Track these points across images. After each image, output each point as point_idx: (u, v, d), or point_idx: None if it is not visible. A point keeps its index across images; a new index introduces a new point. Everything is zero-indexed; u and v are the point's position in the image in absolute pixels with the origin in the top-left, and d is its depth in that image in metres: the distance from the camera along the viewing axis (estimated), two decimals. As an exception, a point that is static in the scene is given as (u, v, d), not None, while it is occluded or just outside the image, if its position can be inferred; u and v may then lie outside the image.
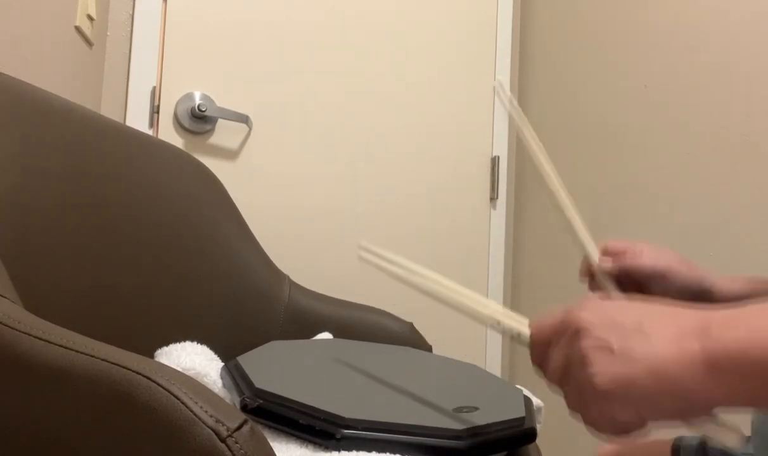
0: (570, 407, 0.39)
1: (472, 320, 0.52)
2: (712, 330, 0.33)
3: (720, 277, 0.61)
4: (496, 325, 0.48)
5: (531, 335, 0.43)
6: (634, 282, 0.61)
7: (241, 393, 0.60)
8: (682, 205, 1.26)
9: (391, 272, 0.61)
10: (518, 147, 1.77)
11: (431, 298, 0.55)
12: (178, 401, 0.38)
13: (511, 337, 0.47)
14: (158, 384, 0.39)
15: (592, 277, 0.63)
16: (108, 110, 1.28)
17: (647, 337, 0.35)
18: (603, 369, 0.35)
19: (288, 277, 1.08)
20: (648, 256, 0.62)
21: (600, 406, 0.35)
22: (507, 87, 1.73)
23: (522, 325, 0.46)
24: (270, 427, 0.57)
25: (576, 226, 0.64)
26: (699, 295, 0.59)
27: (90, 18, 1.14)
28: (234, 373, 0.66)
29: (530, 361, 0.43)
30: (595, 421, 0.37)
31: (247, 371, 0.64)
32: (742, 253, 1.13)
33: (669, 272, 0.59)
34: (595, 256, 0.63)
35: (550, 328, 0.41)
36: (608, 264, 0.62)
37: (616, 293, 0.60)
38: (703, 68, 1.24)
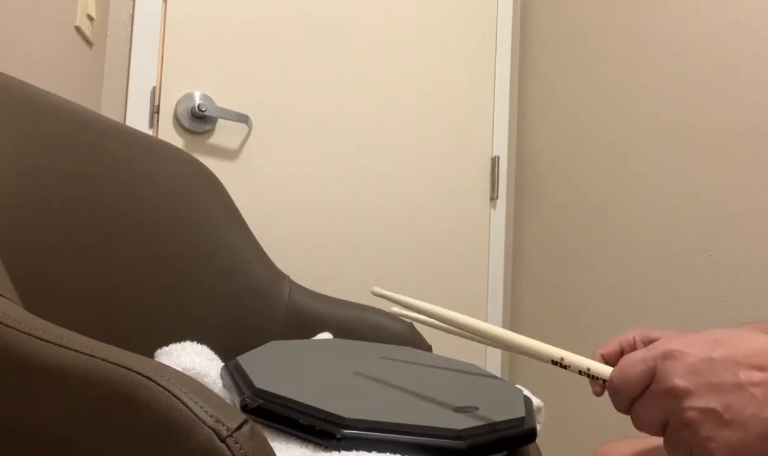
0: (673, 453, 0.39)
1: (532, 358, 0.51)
2: None
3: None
4: (559, 362, 0.47)
5: (614, 385, 0.41)
6: None
7: (241, 393, 0.60)
8: (681, 204, 1.26)
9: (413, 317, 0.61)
10: (518, 147, 1.77)
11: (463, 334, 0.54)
12: (178, 401, 0.38)
13: (579, 373, 0.46)
14: (158, 384, 0.39)
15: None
16: (108, 110, 1.28)
17: (751, 394, 0.35)
18: (714, 436, 0.35)
19: (288, 277, 1.08)
20: (641, 343, 0.62)
21: None
22: (507, 87, 1.73)
23: (592, 363, 0.45)
24: (270, 427, 0.57)
25: (575, 361, 0.65)
26: None
27: (90, 18, 1.14)
28: (234, 373, 0.66)
29: (613, 406, 0.43)
30: None
31: (247, 371, 0.64)
32: (742, 253, 1.13)
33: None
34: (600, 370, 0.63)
35: (635, 382, 0.40)
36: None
37: None
38: (703, 68, 1.24)
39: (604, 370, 0.44)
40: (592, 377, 0.45)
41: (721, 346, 0.37)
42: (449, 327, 0.60)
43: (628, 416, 0.42)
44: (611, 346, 0.64)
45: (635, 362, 0.40)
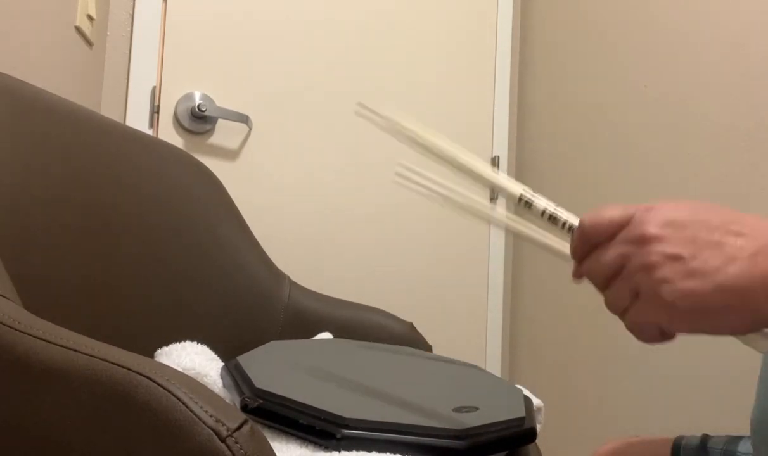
0: (611, 305, 0.37)
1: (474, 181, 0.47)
2: None
3: None
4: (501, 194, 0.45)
5: (582, 229, 0.39)
6: None
7: (241, 393, 0.60)
8: (682, 205, 1.26)
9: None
10: (518, 147, 1.77)
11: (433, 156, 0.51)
12: (178, 401, 0.38)
13: (549, 220, 0.42)
14: (158, 384, 0.39)
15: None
16: (108, 110, 1.28)
17: (721, 250, 0.33)
18: (673, 279, 0.33)
19: (288, 277, 1.08)
20: None
21: (658, 315, 0.34)
22: (507, 87, 1.73)
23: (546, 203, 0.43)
24: (270, 427, 0.57)
25: (555, 244, 0.65)
26: None
27: (90, 18, 1.14)
28: (234, 373, 0.66)
29: (568, 250, 0.40)
30: (640, 327, 0.36)
31: (247, 371, 0.64)
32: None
33: None
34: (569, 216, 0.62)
35: (607, 226, 0.38)
36: None
37: None
38: (703, 68, 1.24)
39: (574, 218, 0.41)
40: (554, 220, 0.42)
41: (706, 210, 0.36)
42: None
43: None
44: None
45: (614, 206, 0.38)
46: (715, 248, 0.34)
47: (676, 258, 0.34)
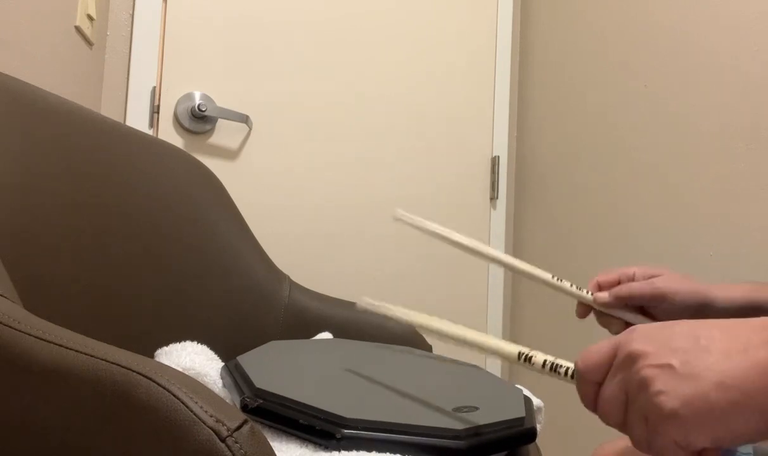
0: (637, 444, 0.36)
1: (496, 358, 0.50)
2: None
3: (718, 285, 0.60)
4: (525, 359, 0.45)
5: (578, 372, 0.39)
6: (634, 307, 0.62)
7: (241, 393, 0.60)
8: (682, 204, 1.26)
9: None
10: (518, 147, 1.77)
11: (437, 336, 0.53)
12: (178, 401, 0.38)
13: (551, 370, 0.43)
14: (158, 384, 0.39)
15: (597, 314, 0.65)
16: (108, 110, 1.28)
17: (708, 352, 0.33)
18: (667, 388, 0.32)
19: (288, 277, 1.08)
20: (641, 277, 0.63)
21: (669, 429, 0.33)
22: (507, 87, 1.73)
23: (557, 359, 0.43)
24: (270, 427, 0.57)
25: (559, 285, 0.67)
26: (700, 309, 0.59)
27: (90, 18, 1.14)
28: (234, 373, 0.66)
29: (580, 402, 0.40)
30: (664, 449, 0.34)
31: (247, 371, 0.64)
32: (742, 253, 1.13)
33: (668, 293, 0.60)
34: (586, 295, 0.65)
35: (599, 361, 0.38)
36: (605, 296, 0.63)
37: (629, 315, 0.61)
38: (703, 68, 1.24)
39: (569, 363, 0.42)
40: (556, 370, 0.42)
41: (682, 322, 0.36)
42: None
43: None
44: (610, 275, 0.65)
45: (600, 345, 0.38)
46: (703, 351, 0.33)
47: (666, 368, 0.34)
